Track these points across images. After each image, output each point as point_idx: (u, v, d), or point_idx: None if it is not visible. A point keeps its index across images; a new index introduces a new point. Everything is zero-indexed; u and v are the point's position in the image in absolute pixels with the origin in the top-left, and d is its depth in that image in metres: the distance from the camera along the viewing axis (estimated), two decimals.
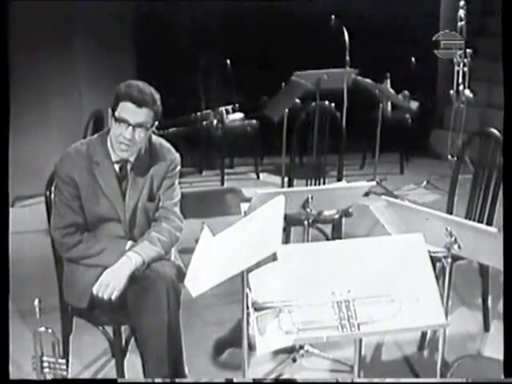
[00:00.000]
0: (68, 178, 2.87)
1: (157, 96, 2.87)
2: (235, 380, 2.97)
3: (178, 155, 3.07)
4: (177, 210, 3.05)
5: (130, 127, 2.80)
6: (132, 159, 2.93)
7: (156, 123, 2.90)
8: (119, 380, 2.93)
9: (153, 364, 2.74)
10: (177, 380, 2.71)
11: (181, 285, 2.75)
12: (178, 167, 3.06)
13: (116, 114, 2.81)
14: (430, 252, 2.23)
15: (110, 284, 2.78)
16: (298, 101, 6.07)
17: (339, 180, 4.29)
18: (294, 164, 4.71)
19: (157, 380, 2.71)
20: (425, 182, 6.52)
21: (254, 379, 2.78)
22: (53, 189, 2.99)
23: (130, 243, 2.94)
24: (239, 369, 2.77)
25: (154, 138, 3.03)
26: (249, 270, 2.35)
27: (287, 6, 6.94)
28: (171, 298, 2.73)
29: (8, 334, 2.39)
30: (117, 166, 2.93)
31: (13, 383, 2.49)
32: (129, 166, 2.94)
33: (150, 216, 3.02)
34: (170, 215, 3.01)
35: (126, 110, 2.80)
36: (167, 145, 3.07)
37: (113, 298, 2.77)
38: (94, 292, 2.79)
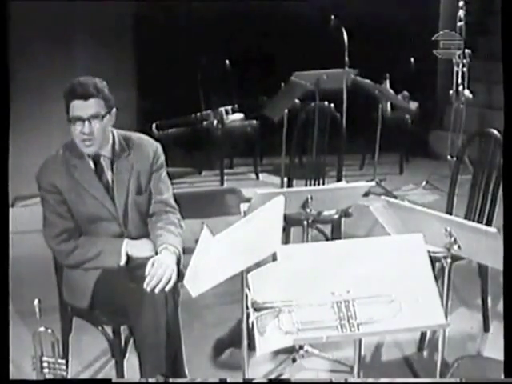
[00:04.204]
0: (50, 185, 2.90)
1: (101, 84, 2.87)
2: (229, 380, 2.97)
3: (159, 145, 3.09)
4: (173, 201, 3.10)
5: (86, 122, 2.82)
6: (106, 153, 2.94)
7: (114, 110, 2.92)
8: (114, 380, 2.93)
9: (151, 364, 2.73)
10: (171, 380, 2.71)
11: (180, 285, 2.75)
12: (162, 157, 3.08)
13: (69, 116, 2.84)
14: (429, 252, 2.23)
15: (165, 274, 2.74)
16: (297, 101, 6.07)
17: (339, 180, 4.29)
18: (294, 164, 4.72)
19: (151, 380, 2.71)
20: (424, 183, 6.52)
21: (244, 379, 2.78)
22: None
23: (126, 241, 2.95)
24: (239, 369, 2.77)
25: (132, 133, 3.07)
26: (248, 270, 2.35)
27: (287, 6, 6.94)
28: (170, 297, 2.73)
29: (8, 334, 2.39)
30: (91, 163, 2.95)
31: (13, 383, 2.49)
32: (103, 161, 2.95)
33: (143, 210, 3.03)
34: (169, 208, 3.06)
35: (76, 107, 2.82)
36: (146, 137, 3.11)
37: (170, 284, 2.73)
38: (147, 287, 2.71)
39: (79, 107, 2.82)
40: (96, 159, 2.95)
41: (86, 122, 2.82)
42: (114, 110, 2.93)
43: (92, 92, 2.82)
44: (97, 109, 2.84)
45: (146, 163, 3.02)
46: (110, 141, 2.97)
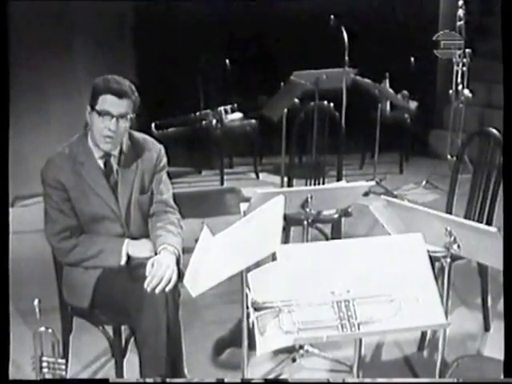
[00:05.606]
0: (55, 181, 2.88)
1: (133, 87, 2.89)
2: (227, 380, 2.97)
3: (162, 146, 3.10)
4: (173, 202, 3.11)
5: (114, 119, 2.82)
6: (115, 153, 2.95)
7: (134, 115, 2.92)
8: (111, 380, 2.93)
9: (150, 363, 2.74)
10: (168, 380, 2.71)
11: (180, 285, 2.75)
12: (165, 159, 3.09)
13: (97, 108, 2.83)
14: (429, 252, 2.23)
15: (165, 275, 2.74)
16: (297, 101, 6.07)
17: (339, 180, 4.29)
18: (294, 164, 4.72)
19: (149, 380, 2.71)
20: (424, 182, 6.52)
21: (242, 379, 2.78)
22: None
23: (127, 241, 2.95)
24: (239, 369, 2.77)
25: (136, 133, 3.07)
26: (248, 270, 2.35)
27: (287, 6, 6.94)
28: (170, 297, 2.73)
29: (8, 334, 2.39)
30: (101, 162, 2.95)
31: (12, 383, 2.49)
32: (112, 160, 2.96)
33: (145, 210, 3.04)
34: (169, 208, 3.07)
35: (108, 102, 2.81)
36: (150, 138, 3.11)
37: (171, 284, 2.73)
38: (147, 288, 2.70)
39: (112, 103, 2.81)
40: (106, 159, 2.95)
41: (114, 120, 2.82)
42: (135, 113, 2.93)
43: (127, 91, 2.83)
44: (127, 109, 2.84)
45: (150, 164, 3.02)
46: None
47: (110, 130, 2.83)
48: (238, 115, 6.90)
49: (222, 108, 6.77)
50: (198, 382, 2.95)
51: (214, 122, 6.72)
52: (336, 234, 4.27)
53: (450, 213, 3.60)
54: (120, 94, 2.81)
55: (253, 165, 6.96)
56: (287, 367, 3.40)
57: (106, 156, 2.94)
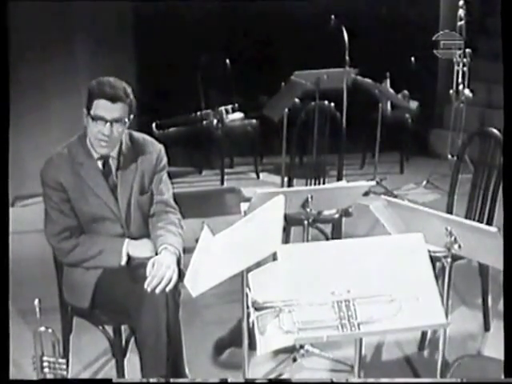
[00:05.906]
0: (54, 182, 2.88)
1: (129, 89, 2.87)
2: (229, 380, 2.97)
3: (162, 147, 3.09)
4: (173, 202, 3.10)
5: (108, 123, 2.81)
6: (113, 154, 2.94)
7: (131, 117, 2.90)
8: (114, 380, 2.93)
9: (151, 364, 2.74)
10: (171, 380, 2.71)
11: (180, 284, 2.75)
12: (165, 159, 3.08)
13: (91, 112, 2.82)
14: (429, 252, 2.23)
15: (166, 275, 2.74)
16: (297, 100, 6.08)
17: (339, 180, 4.29)
18: (294, 164, 4.72)
19: (152, 380, 2.71)
20: (425, 182, 6.52)
21: (245, 379, 2.78)
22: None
23: (127, 241, 2.95)
24: (239, 369, 2.77)
25: (136, 133, 3.06)
26: (249, 270, 2.35)
27: (287, 6, 6.94)
28: (170, 297, 2.73)
29: (8, 333, 2.39)
30: (100, 163, 2.94)
31: (13, 383, 2.49)
32: (111, 161, 2.95)
33: (145, 211, 3.04)
34: (169, 208, 3.07)
35: (101, 107, 2.80)
36: (150, 138, 3.10)
37: (171, 284, 2.73)
38: (148, 288, 2.71)
39: (105, 108, 2.80)
40: (105, 160, 2.95)
41: (108, 124, 2.81)
42: (132, 115, 2.92)
43: (121, 96, 2.81)
44: (121, 113, 2.83)
45: (149, 164, 3.02)
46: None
47: (104, 135, 2.83)
48: (239, 115, 6.90)
49: (222, 108, 6.77)
50: (201, 382, 2.95)
51: (215, 121, 6.72)
52: (336, 234, 4.27)
53: (451, 213, 3.60)
54: (113, 99, 2.80)
55: (253, 165, 6.96)
56: (288, 367, 3.40)
57: (105, 157, 2.94)
